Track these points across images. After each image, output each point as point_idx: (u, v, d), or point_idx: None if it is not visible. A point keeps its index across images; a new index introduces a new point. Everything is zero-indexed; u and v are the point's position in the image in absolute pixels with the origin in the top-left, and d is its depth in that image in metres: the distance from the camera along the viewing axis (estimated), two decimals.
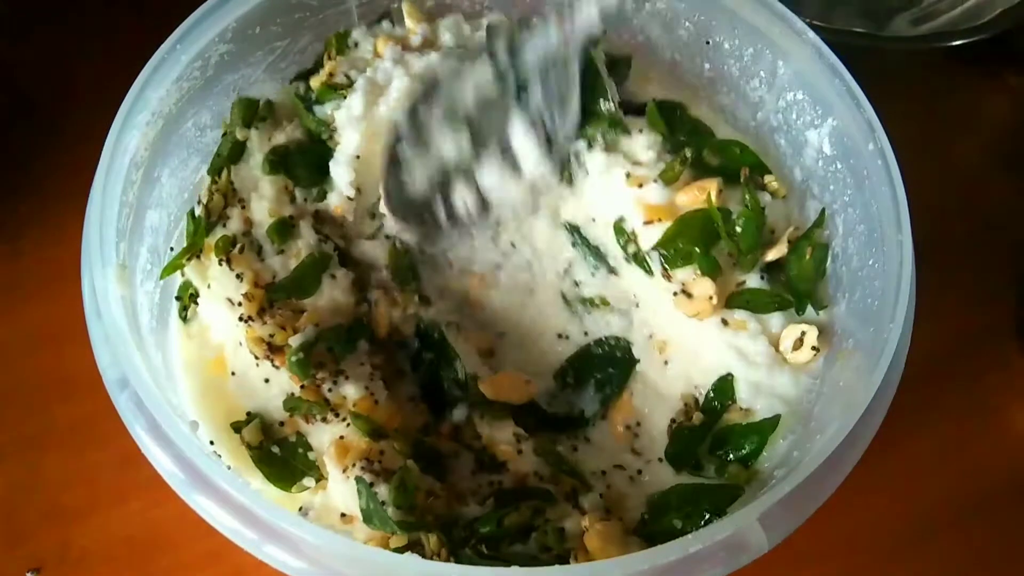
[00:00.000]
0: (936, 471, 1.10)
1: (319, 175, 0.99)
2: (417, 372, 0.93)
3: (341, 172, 0.97)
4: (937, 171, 1.26)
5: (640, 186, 0.95)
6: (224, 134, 1.00)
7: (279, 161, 0.97)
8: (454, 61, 0.94)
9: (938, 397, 1.12)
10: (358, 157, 0.96)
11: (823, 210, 0.97)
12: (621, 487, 0.90)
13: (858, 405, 0.76)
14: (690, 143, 1.00)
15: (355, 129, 0.96)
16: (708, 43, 1.06)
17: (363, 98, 0.96)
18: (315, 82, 1.01)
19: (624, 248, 0.97)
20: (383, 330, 0.92)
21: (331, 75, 1.01)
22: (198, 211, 0.96)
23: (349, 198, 0.97)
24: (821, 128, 0.97)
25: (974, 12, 1.40)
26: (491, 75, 0.93)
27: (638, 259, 0.96)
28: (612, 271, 1.00)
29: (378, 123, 0.97)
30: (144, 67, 0.91)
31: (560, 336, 0.99)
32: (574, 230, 1.00)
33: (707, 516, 0.82)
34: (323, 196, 0.99)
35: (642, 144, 0.97)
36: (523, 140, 0.92)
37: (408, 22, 1.06)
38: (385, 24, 1.07)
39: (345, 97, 0.97)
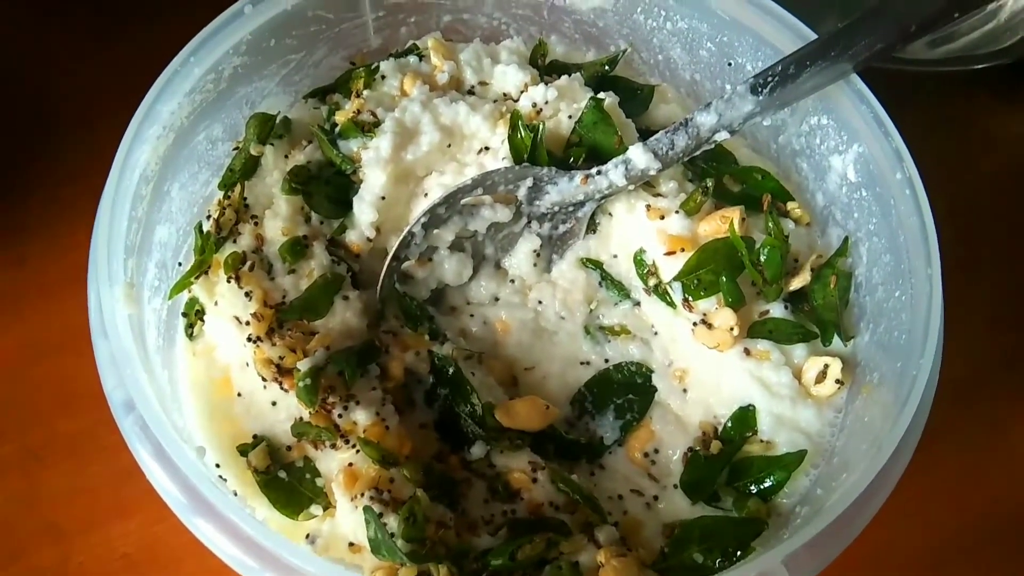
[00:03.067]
0: (954, 501, 1.08)
1: (340, 209, 0.97)
2: (432, 407, 0.91)
3: (365, 211, 0.95)
4: (955, 196, 1.23)
5: (662, 218, 0.94)
6: (237, 149, 0.99)
7: (300, 187, 0.96)
8: (480, 191, 0.95)
9: (957, 426, 1.09)
10: (383, 198, 0.95)
11: (847, 238, 0.96)
12: (637, 514, 0.88)
13: (885, 446, 0.75)
14: (711, 170, 0.99)
15: (382, 170, 0.95)
16: (730, 64, 1.05)
17: (391, 140, 0.95)
18: (340, 117, 0.99)
19: (644, 280, 0.96)
20: (398, 372, 0.90)
21: (358, 112, 0.99)
22: (207, 226, 0.94)
23: (369, 239, 0.96)
24: (846, 154, 0.96)
25: (993, 36, 1.39)
26: (510, 213, 0.97)
27: (659, 291, 0.94)
28: (636, 304, 0.99)
29: (403, 169, 0.97)
30: (157, 79, 0.90)
31: (582, 363, 0.97)
32: (597, 266, 1.00)
33: (728, 551, 0.80)
34: (342, 230, 0.97)
35: (663, 174, 0.95)
36: (523, 258, 1.00)
37: (434, 58, 1.05)
38: (412, 59, 1.05)
39: (372, 137, 0.96)
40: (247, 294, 0.89)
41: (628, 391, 0.94)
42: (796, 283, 0.93)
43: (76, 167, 1.15)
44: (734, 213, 0.92)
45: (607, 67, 1.10)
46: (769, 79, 0.88)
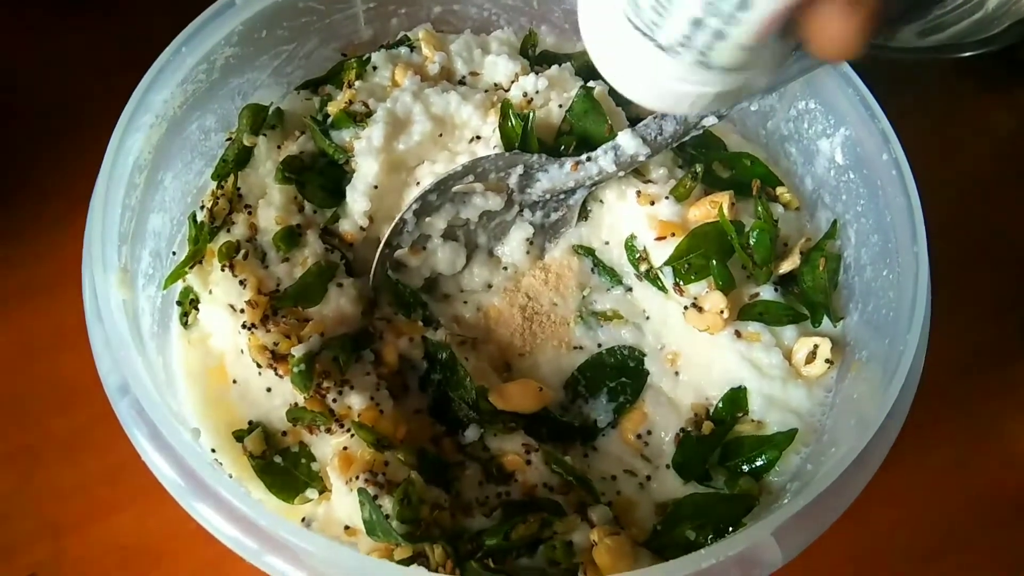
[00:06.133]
0: (943, 489, 1.08)
1: (334, 198, 0.98)
2: (426, 393, 0.92)
3: (358, 200, 0.96)
4: (943, 182, 1.24)
5: (652, 203, 0.94)
6: (230, 139, 0.99)
7: (293, 176, 0.96)
8: (471, 179, 0.95)
9: (946, 414, 1.10)
10: (376, 187, 0.96)
11: (835, 221, 0.96)
12: (630, 494, 0.89)
13: (873, 419, 0.75)
14: (700, 156, 1.00)
15: (375, 159, 0.95)
16: None
17: (383, 130, 0.96)
18: (332, 108, 1.00)
19: (636, 266, 0.96)
20: (392, 359, 0.91)
21: (350, 102, 1.00)
22: (200, 215, 0.95)
23: (362, 228, 0.97)
24: (833, 137, 0.96)
25: (981, 25, 1.40)
26: (501, 201, 0.97)
27: (650, 276, 0.95)
28: (628, 289, 0.99)
29: (395, 159, 0.97)
30: (149, 69, 0.91)
31: (575, 348, 0.98)
32: (589, 253, 1.00)
33: (720, 527, 0.81)
34: (335, 219, 0.98)
35: (653, 161, 0.96)
36: (516, 246, 1.00)
37: (425, 49, 1.06)
38: (403, 50, 1.06)
39: (364, 127, 0.97)
40: (241, 282, 0.89)
41: (621, 374, 0.95)
42: (786, 266, 0.94)
43: (68, 167, 1.15)
44: (723, 198, 0.92)
45: None
46: None
